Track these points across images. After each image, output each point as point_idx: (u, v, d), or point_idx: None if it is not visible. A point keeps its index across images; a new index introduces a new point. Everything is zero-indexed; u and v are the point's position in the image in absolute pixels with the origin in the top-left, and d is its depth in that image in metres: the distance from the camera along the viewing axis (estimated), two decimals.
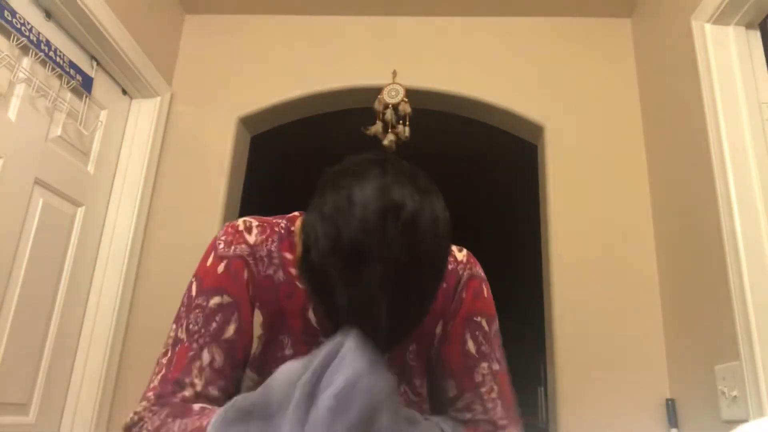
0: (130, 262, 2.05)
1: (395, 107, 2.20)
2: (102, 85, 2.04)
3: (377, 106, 2.23)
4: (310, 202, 0.69)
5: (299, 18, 2.42)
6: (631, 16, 2.32)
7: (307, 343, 0.79)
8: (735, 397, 1.47)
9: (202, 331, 0.76)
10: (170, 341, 0.77)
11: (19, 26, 1.61)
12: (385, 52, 2.35)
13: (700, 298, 1.69)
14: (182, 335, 0.76)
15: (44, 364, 1.77)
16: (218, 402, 0.73)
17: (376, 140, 2.18)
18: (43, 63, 1.73)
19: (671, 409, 1.80)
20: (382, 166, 0.67)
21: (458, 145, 3.42)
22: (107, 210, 2.08)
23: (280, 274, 0.80)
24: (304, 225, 0.69)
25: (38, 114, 1.73)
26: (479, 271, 0.89)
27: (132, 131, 2.18)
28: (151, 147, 2.17)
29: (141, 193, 2.11)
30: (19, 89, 1.65)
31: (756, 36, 1.70)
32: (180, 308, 0.79)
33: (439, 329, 0.84)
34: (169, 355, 0.76)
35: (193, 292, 0.79)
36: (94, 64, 1.98)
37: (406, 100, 2.21)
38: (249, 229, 0.83)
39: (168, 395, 0.72)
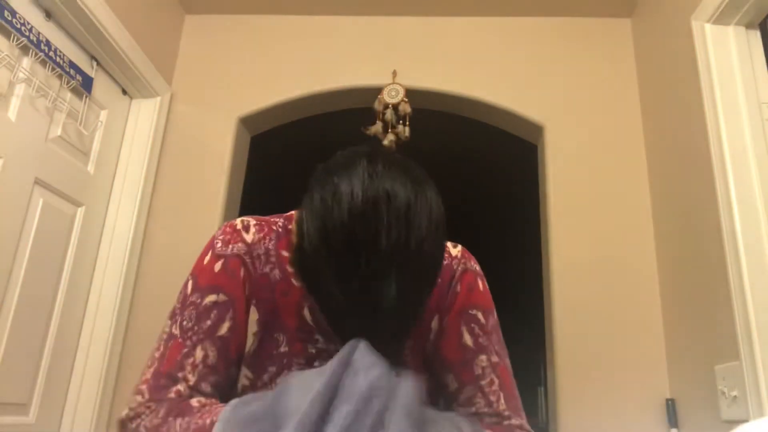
0: (130, 262, 2.05)
1: (395, 107, 2.20)
2: (102, 85, 2.04)
3: (377, 106, 2.23)
4: (303, 199, 0.69)
5: (299, 18, 2.42)
6: (631, 16, 2.32)
7: (302, 341, 0.79)
8: (735, 397, 1.47)
9: (196, 328, 0.76)
10: (164, 336, 0.77)
11: (19, 26, 1.61)
12: (385, 52, 2.35)
13: (700, 298, 1.69)
14: (176, 331, 0.76)
15: (44, 364, 1.77)
16: (212, 398, 0.74)
17: (376, 140, 2.18)
18: (43, 63, 1.73)
19: (671, 409, 1.80)
20: (371, 158, 0.67)
21: (458, 145, 3.42)
22: (107, 210, 2.08)
23: (277, 272, 0.81)
24: (296, 221, 0.69)
25: (38, 114, 1.73)
26: (474, 265, 0.89)
27: (132, 131, 2.18)
28: (151, 147, 2.17)
29: (141, 193, 2.11)
30: (19, 89, 1.65)
31: (756, 36, 1.70)
32: (175, 305, 0.79)
33: (434, 324, 0.84)
34: (162, 350, 0.76)
35: (189, 290, 0.79)
36: (94, 64, 1.98)
37: (406, 100, 2.21)
38: (246, 228, 0.83)
39: (161, 389, 0.72)
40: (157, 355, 0.76)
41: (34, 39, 1.68)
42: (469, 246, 0.91)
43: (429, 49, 2.35)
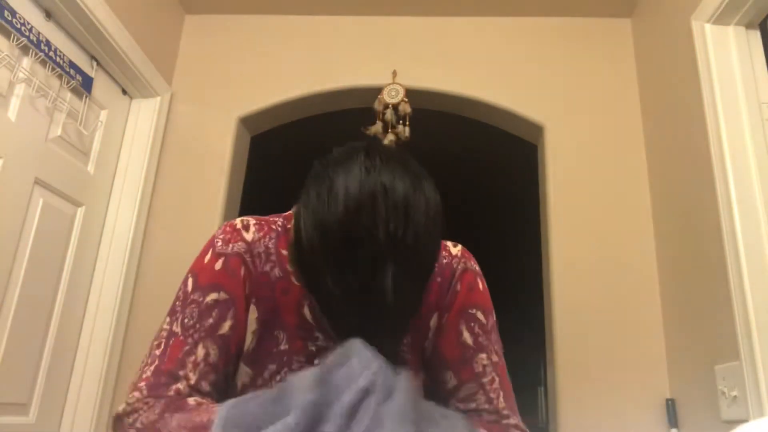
0: (130, 262, 2.05)
1: (395, 107, 2.20)
2: (102, 85, 2.04)
3: (377, 106, 2.23)
4: (300, 196, 0.69)
5: (299, 18, 2.42)
6: (631, 16, 2.32)
7: (302, 339, 0.80)
8: (735, 397, 1.47)
9: (197, 326, 0.76)
10: (164, 334, 0.77)
11: (19, 26, 1.61)
12: (385, 52, 2.35)
13: (700, 298, 1.69)
14: (177, 329, 0.76)
15: (44, 364, 1.77)
16: (209, 396, 0.74)
17: (375, 139, 2.18)
18: (43, 63, 1.73)
19: (671, 409, 1.80)
20: (369, 152, 0.67)
21: (458, 145, 3.42)
22: (107, 210, 2.08)
23: (277, 271, 0.81)
24: (294, 218, 0.69)
25: (38, 114, 1.73)
26: (474, 265, 0.89)
27: (132, 131, 2.18)
28: (151, 147, 2.17)
29: (141, 193, 2.11)
30: (19, 89, 1.65)
31: (756, 36, 1.70)
32: (175, 302, 0.79)
33: (433, 322, 0.85)
34: (162, 347, 0.76)
35: (189, 288, 0.79)
36: (94, 64, 1.98)
37: (406, 100, 2.21)
38: (246, 227, 0.83)
39: (161, 387, 0.72)
40: (157, 352, 0.76)
41: (34, 39, 1.68)
42: (469, 246, 0.92)
43: (429, 49, 2.35)
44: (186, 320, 0.77)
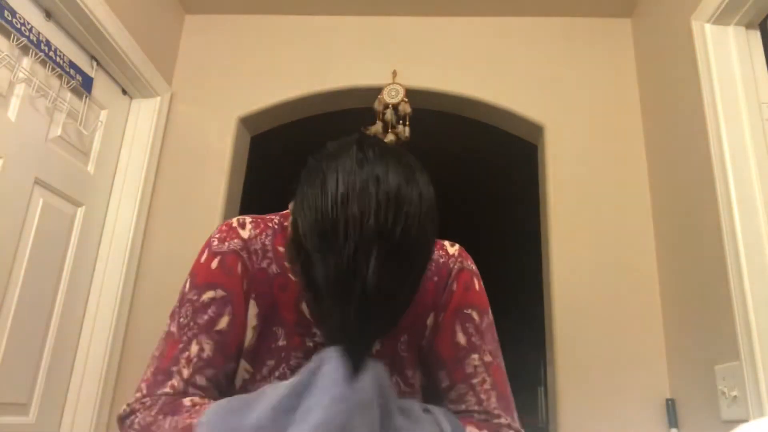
0: (130, 262, 2.05)
1: (395, 107, 2.20)
2: (102, 85, 2.04)
3: (377, 106, 2.23)
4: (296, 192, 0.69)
5: (299, 18, 2.42)
6: (631, 16, 2.32)
7: (300, 335, 0.80)
8: (735, 397, 1.47)
9: (191, 323, 0.77)
10: (163, 335, 0.79)
11: (19, 26, 1.61)
12: (385, 52, 2.35)
13: (700, 298, 1.69)
14: (173, 329, 0.78)
15: (44, 364, 1.77)
16: (207, 390, 0.75)
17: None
18: (43, 63, 1.73)
19: (671, 409, 1.80)
20: (361, 144, 0.67)
21: (458, 145, 3.42)
22: (107, 210, 2.08)
23: (274, 267, 0.82)
24: (291, 215, 0.69)
25: (38, 114, 1.73)
26: (470, 264, 0.89)
27: (132, 131, 2.18)
28: (151, 147, 2.17)
29: (141, 193, 2.11)
30: (19, 89, 1.65)
31: (756, 36, 1.70)
32: (175, 305, 0.81)
33: (430, 321, 0.85)
34: (161, 349, 0.78)
35: (186, 288, 0.80)
36: (94, 64, 1.98)
37: (406, 100, 2.21)
38: (242, 225, 0.84)
39: (158, 385, 0.74)
40: (157, 354, 0.78)
41: (34, 39, 1.68)
42: (469, 246, 0.92)
43: (429, 49, 2.35)
44: (181, 319, 0.78)
